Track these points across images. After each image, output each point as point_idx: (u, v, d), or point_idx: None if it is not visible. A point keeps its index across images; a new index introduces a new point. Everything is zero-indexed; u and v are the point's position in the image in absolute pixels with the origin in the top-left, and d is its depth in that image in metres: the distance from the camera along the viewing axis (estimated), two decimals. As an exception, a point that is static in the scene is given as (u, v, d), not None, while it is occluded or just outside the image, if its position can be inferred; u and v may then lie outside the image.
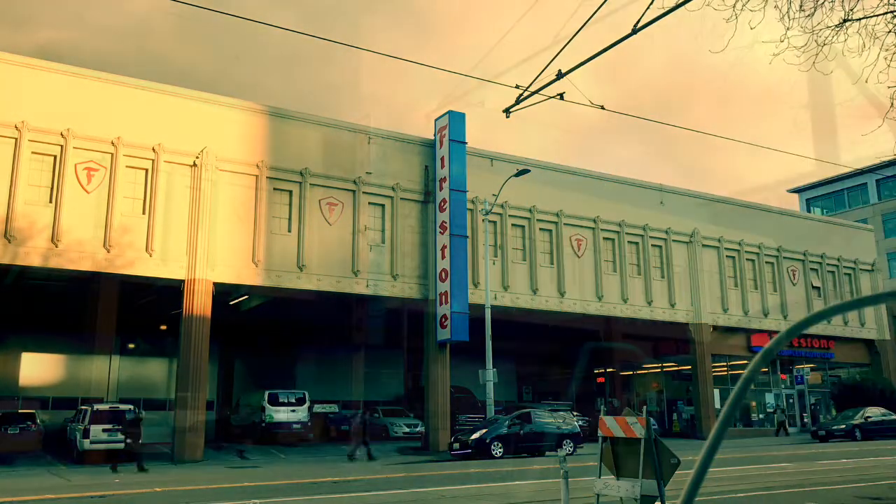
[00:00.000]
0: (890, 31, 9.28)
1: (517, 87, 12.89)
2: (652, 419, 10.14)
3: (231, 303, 29.33)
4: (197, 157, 25.33)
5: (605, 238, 34.23)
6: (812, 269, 41.37)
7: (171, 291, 25.22)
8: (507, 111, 13.47)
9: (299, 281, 26.74)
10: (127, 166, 24.43)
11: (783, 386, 41.83)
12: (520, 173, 29.10)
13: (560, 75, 11.91)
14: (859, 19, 9.14)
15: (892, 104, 9.65)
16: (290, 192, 27.24)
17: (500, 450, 25.20)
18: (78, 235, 23.39)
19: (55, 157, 23.48)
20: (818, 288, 41.26)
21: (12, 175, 22.69)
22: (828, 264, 41.99)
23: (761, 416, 40.80)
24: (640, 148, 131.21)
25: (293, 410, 30.64)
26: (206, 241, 25.00)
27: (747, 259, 39.08)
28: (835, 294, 41.68)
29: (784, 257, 40.23)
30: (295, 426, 30.42)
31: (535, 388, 44.58)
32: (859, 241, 44.41)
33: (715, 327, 37.24)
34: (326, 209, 27.74)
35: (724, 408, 1.85)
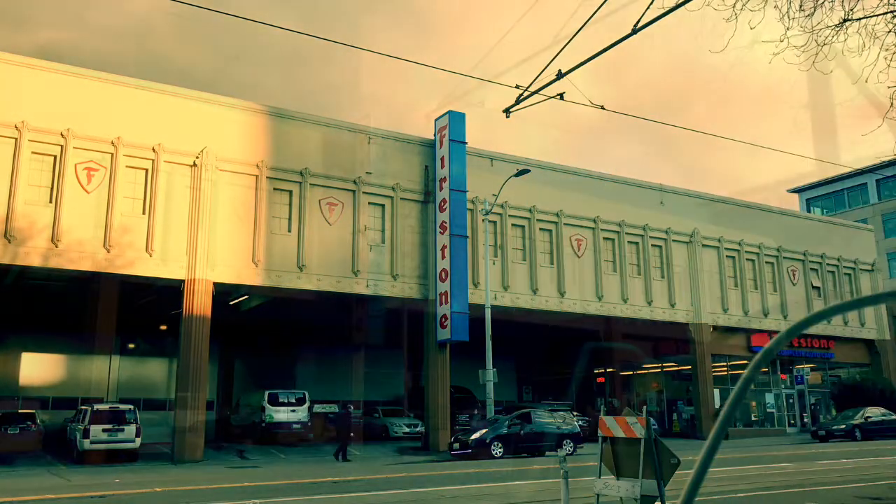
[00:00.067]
0: (890, 31, 9.28)
1: (517, 87, 12.89)
2: (652, 419, 10.14)
3: (231, 303, 29.33)
4: (197, 157, 25.33)
5: (605, 238, 34.24)
6: (812, 269, 41.37)
7: (171, 291, 25.22)
8: (507, 111, 13.47)
9: (299, 281, 26.75)
10: (127, 166, 24.43)
11: (783, 386, 41.84)
12: (520, 173, 29.11)
13: (560, 75, 11.91)
14: (859, 19, 9.14)
15: (892, 104, 9.64)
16: (290, 192, 27.25)
17: (500, 450, 25.20)
18: (78, 235, 23.39)
19: (55, 157, 23.49)
20: (818, 288, 41.26)
21: (12, 175, 22.70)
22: (828, 264, 41.99)
23: (761, 416, 40.81)
24: (640, 148, 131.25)
25: (293, 410, 30.62)
26: (206, 241, 25.00)
27: (747, 259, 39.08)
28: (835, 294, 41.68)
29: (784, 257, 40.23)
30: (295, 426, 30.40)
31: (535, 388, 44.57)
32: (859, 241, 44.41)
33: (715, 327, 37.24)
34: (326, 209, 27.74)
35: (724, 408, 1.85)
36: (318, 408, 32.50)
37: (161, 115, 25.15)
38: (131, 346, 35.83)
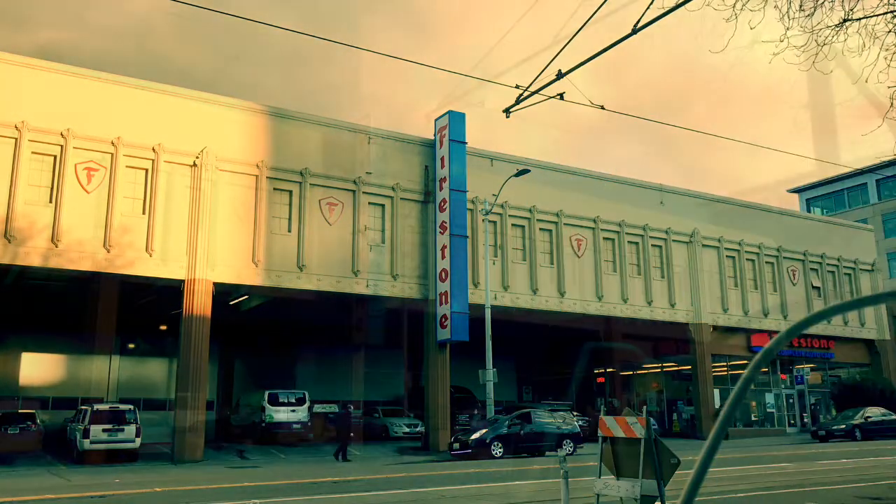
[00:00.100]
0: (890, 31, 9.28)
1: (517, 87, 12.89)
2: (652, 419, 10.14)
3: (231, 303, 29.33)
4: (197, 157, 25.33)
5: (605, 238, 34.24)
6: (812, 269, 41.37)
7: (171, 291, 25.22)
8: (507, 111, 13.47)
9: (299, 281, 26.75)
10: (127, 166, 24.43)
11: (783, 386, 41.84)
12: (520, 173, 29.11)
13: (560, 75, 11.91)
14: (859, 19, 9.14)
15: (892, 104, 9.64)
16: (290, 192, 27.25)
17: (500, 450, 25.20)
18: (78, 235, 23.39)
19: (55, 157, 23.49)
20: (818, 288, 41.26)
21: (12, 175, 22.70)
22: (828, 264, 41.99)
23: (761, 416, 40.81)
24: (640, 148, 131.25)
25: (293, 410, 30.61)
26: (206, 241, 25.00)
27: (747, 259, 39.08)
28: (835, 294, 41.68)
29: (784, 257, 40.23)
30: (295, 426, 30.40)
31: (535, 388, 44.57)
32: (859, 241, 44.41)
33: (715, 327, 37.24)
34: (326, 209, 27.74)
35: (724, 408, 1.85)
36: (318, 408, 32.51)
37: (161, 115, 25.15)
38: (131, 346, 35.83)
